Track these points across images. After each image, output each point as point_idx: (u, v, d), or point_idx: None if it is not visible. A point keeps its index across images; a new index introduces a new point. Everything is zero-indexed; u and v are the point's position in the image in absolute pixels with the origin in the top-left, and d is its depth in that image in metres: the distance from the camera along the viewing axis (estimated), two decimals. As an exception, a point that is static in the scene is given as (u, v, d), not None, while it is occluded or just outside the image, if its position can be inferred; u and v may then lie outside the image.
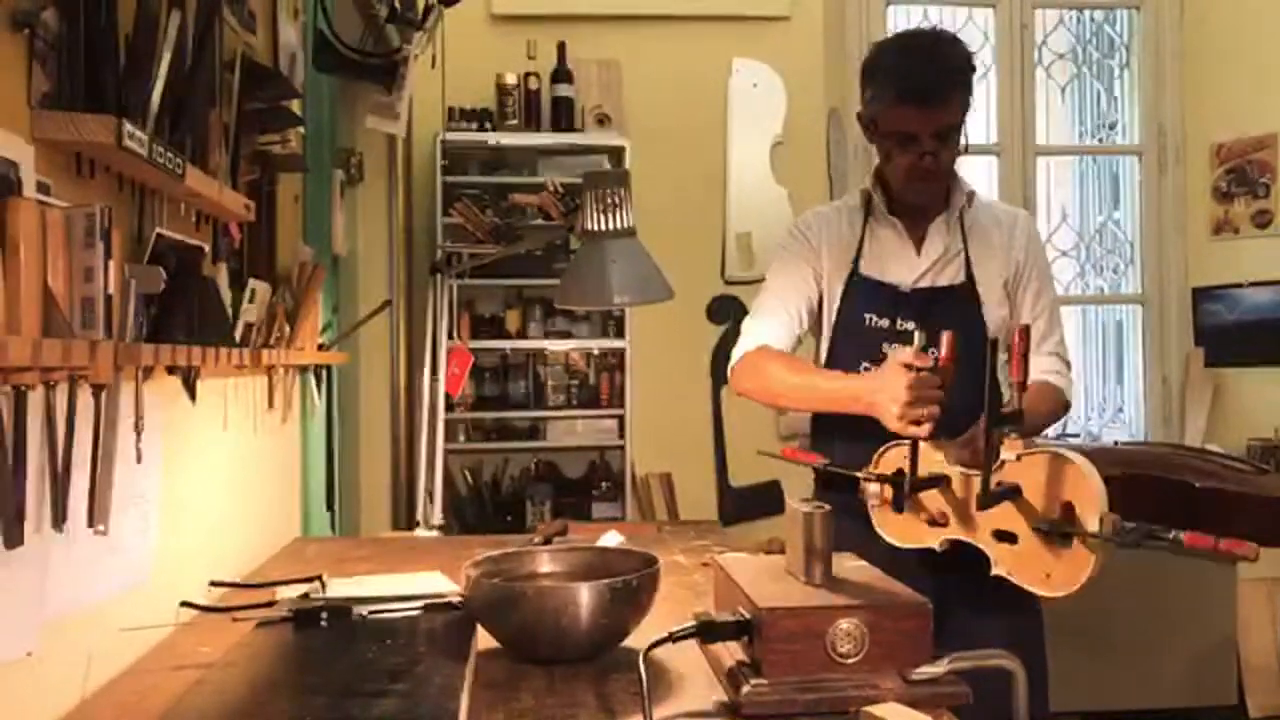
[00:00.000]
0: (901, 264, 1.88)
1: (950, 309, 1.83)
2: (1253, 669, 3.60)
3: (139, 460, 1.30)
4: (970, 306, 1.85)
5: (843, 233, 1.93)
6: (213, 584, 1.68)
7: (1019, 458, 1.43)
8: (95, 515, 1.19)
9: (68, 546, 1.15)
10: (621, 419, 3.67)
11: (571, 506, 3.62)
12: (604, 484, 3.70)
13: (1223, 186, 4.04)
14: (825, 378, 1.84)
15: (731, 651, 1.21)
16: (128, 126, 1.15)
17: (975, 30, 4.22)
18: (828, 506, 1.29)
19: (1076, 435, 4.13)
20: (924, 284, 1.87)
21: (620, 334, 3.69)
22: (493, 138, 3.62)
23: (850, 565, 1.34)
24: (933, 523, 1.54)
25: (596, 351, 3.78)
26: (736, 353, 1.92)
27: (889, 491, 1.56)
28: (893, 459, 1.59)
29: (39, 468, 1.08)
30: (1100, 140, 4.40)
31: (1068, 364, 1.95)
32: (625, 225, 1.98)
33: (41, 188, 1.09)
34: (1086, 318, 4.44)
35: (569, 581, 1.37)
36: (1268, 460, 3.50)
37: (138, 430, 1.29)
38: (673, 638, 1.15)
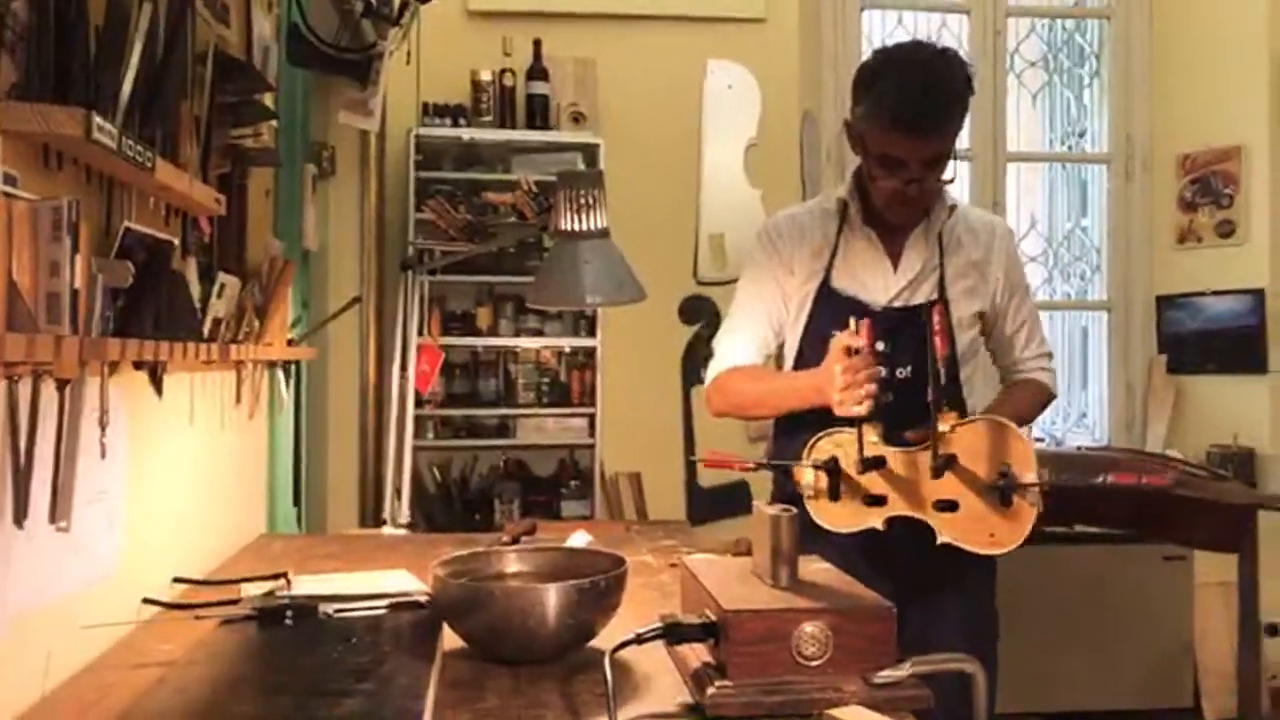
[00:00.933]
0: (876, 279, 1.84)
1: (920, 329, 1.80)
2: (1209, 672, 3.66)
3: (103, 455, 1.29)
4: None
5: (815, 241, 1.88)
6: (176, 580, 1.67)
7: (953, 428, 1.55)
8: (58, 511, 1.18)
9: (29, 542, 1.14)
10: (592, 418, 3.67)
11: (540, 505, 3.62)
12: (573, 482, 3.70)
13: (1187, 196, 4.10)
14: (780, 379, 1.86)
15: (697, 653, 1.21)
16: (97, 119, 1.14)
17: (949, 37, 4.25)
18: (794, 510, 1.30)
19: (1041, 439, 4.17)
20: (897, 303, 1.83)
21: (592, 333, 3.69)
22: (467, 133, 3.61)
23: (815, 568, 1.36)
24: (870, 503, 1.59)
25: (567, 350, 3.78)
26: (708, 375, 1.93)
27: (823, 480, 1.60)
28: (825, 447, 1.62)
29: (1, 463, 1.07)
30: (1070, 148, 4.45)
31: (1049, 356, 1.97)
32: (598, 226, 1.99)
33: (8, 179, 1.08)
34: (1053, 323, 4.48)
35: (536, 582, 1.37)
36: (1226, 466, 3.56)
37: (102, 425, 1.28)
38: (639, 639, 1.15)
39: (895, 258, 1.85)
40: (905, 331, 1.75)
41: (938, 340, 1.56)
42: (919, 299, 1.82)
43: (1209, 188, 4.04)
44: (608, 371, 3.66)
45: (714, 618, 1.18)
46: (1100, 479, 1.62)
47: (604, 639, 1.27)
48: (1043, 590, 3.44)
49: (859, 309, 1.80)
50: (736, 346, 1.91)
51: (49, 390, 1.14)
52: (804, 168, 3.93)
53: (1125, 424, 4.24)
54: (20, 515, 1.09)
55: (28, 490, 1.10)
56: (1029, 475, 1.54)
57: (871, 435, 1.57)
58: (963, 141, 4.21)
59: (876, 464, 1.57)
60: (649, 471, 3.75)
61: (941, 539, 1.56)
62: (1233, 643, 3.51)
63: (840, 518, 1.61)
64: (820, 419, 1.66)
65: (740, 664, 1.13)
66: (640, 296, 2.07)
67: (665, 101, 3.84)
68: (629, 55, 3.84)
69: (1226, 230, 3.99)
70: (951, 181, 1.77)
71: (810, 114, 3.98)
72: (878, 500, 1.60)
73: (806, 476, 1.61)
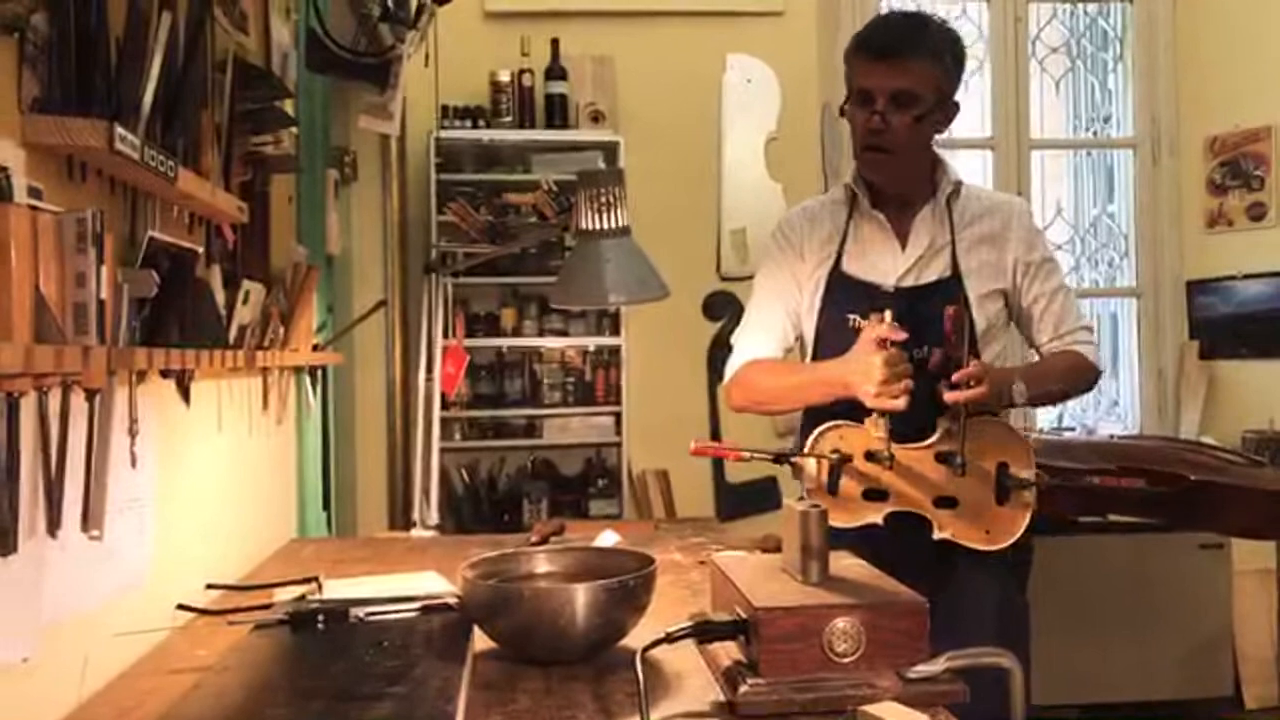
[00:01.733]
0: (886, 260, 1.84)
1: (936, 306, 1.76)
2: (1248, 660, 3.61)
3: (133, 464, 1.30)
4: (955, 303, 1.83)
5: (826, 229, 1.90)
6: (209, 587, 1.68)
7: (945, 431, 1.61)
8: (90, 520, 1.18)
9: (63, 552, 1.15)
10: (618, 416, 3.67)
11: (568, 504, 3.62)
12: (601, 481, 3.70)
13: (1217, 179, 4.04)
14: (803, 371, 1.85)
15: (729, 651, 1.21)
16: (119, 130, 1.15)
17: (969, 24, 4.21)
18: (823, 505, 1.29)
19: (1072, 428, 4.14)
20: (908, 281, 1.82)
21: (616, 331, 3.69)
22: (486, 135, 3.62)
23: (847, 564, 1.34)
24: (870, 497, 1.59)
25: (592, 349, 3.78)
26: (727, 371, 1.94)
27: (824, 473, 1.60)
28: (830, 439, 1.61)
29: (32, 474, 1.07)
30: (1094, 134, 4.39)
31: (1090, 330, 1.92)
32: (620, 224, 1.98)
33: (33, 192, 1.08)
34: (1081, 310, 4.44)
35: (566, 582, 1.37)
36: (1262, 452, 3.51)
37: (132, 434, 1.29)
38: (670, 638, 1.15)
39: (904, 237, 1.85)
40: (920, 310, 1.75)
41: (952, 347, 1.57)
42: (931, 276, 1.83)
43: (1239, 170, 3.98)
44: (633, 369, 3.66)
45: (744, 615, 1.17)
46: (1087, 480, 1.68)
47: (634, 638, 1.27)
48: (1079, 582, 3.41)
49: (870, 291, 1.82)
50: (755, 341, 1.92)
51: (78, 400, 1.15)
52: (825, 160, 3.91)
53: (1157, 411, 4.18)
54: (53, 525, 1.10)
55: (60, 500, 1.11)
56: (1026, 473, 1.59)
57: (881, 430, 1.57)
58: (985, 129, 4.18)
59: (889, 460, 1.58)
60: (676, 469, 3.74)
61: (939, 535, 1.57)
62: (1273, 630, 3.47)
63: (839, 513, 1.60)
64: (847, 410, 1.65)
65: (772, 661, 1.13)
66: (663, 294, 2.06)
67: (684, 97, 3.83)
68: (647, 52, 3.83)
69: (1258, 213, 3.93)
70: (915, 120, 1.75)
71: (830, 106, 3.95)
72: (879, 495, 1.61)
73: (810, 467, 1.61)
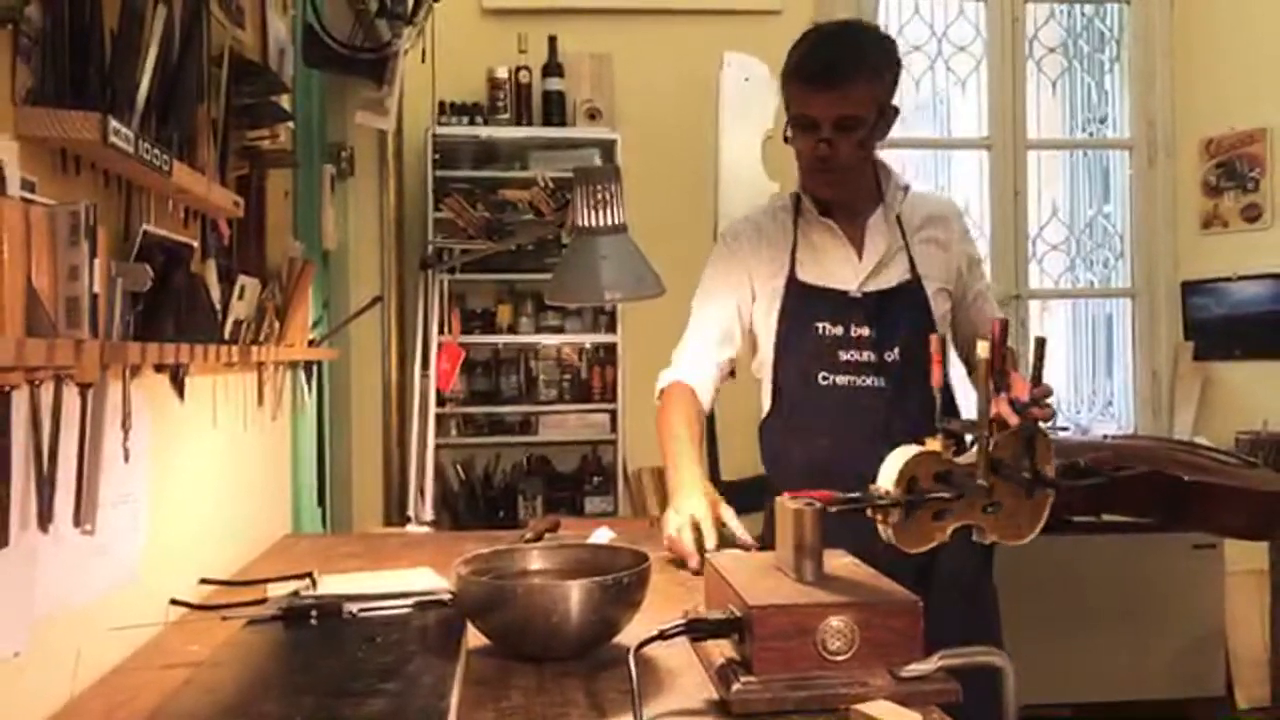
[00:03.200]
0: (844, 267, 1.86)
1: (903, 310, 1.81)
2: (1241, 660, 3.62)
3: (126, 459, 1.30)
4: (918, 304, 1.83)
5: (774, 238, 1.92)
6: (202, 582, 1.68)
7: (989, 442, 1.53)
8: (82, 515, 1.18)
9: (55, 546, 1.15)
10: (613, 413, 3.67)
11: (563, 501, 3.62)
12: (596, 478, 3.70)
13: (1212, 180, 4.05)
14: (670, 456, 1.85)
15: (722, 649, 1.21)
16: (113, 123, 1.15)
17: (967, 24, 4.22)
18: (818, 504, 1.28)
19: (1066, 428, 4.14)
20: (871, 286, 1.84)
21: (612, 328, 3.69)
22: (483, 131, 3.62)
23: (841, 563, 1.34)
24: (936, 518, 1.57)
25: (588, 346, 3.78)
26: (659, 381, 1.97)
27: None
28: (906, 468, 1.58)
29: (24, 468, 1.07)
30: (1090, 134, 4.40)
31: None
32: (616, 221, 1.97)
33: (26, 185, 1.08)
34: (1076, 311, 4.45)
35: (560, 579, 1.37)
36: (1256, 453, 3.51)
37: (125, 429, 1.29)
38: (663, 635, 1.15)
39: (858, 244, 1.87)
40: (888, 314, 1.79)
41: (936, 369, 1.55)
42: (893, 280, 1.85)
43: (1234, 171, 3.99)
44: (629, 367, 3.66)
45: (738, 613, 1.17)
46: (1104, 472, 1.65)
47: (628, 635, 1.27)
48: (1072, 580, 3.42)
49: (835, 297, 1.84)
50: (686, 361, 1.95)
51: (71, 395, 1.14)
52: (822, 159, 3.91)
53: (1151, 411, 4.19)
54: (45, 519, 1.10)
55: (52, 494, 1.10)
56: (1049, 468, 1.55)
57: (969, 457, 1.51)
58: (981, 129, 4.18)
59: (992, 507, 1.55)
60: (671, 466, 3.74)
61: (988, 539, 1.54)
62: (1265, 631, 3.48)
63: (910, 539, 1.58)
64: (835, 418, 1.73)
65: (765, 659, 1.12)
66: (660, 291, 2.05)
67: (681, 95, 3.82)
68: (644, 50, 3.83)
69: (1253, 214, 3.94)
70: (860, 141, 1.77)
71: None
72: (942, 514, 1.58)
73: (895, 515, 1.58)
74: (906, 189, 1.89)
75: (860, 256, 1.86)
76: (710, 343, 1.94)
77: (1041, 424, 1.57)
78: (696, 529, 1.66)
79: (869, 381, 1.81)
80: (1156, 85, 4.19)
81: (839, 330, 1.83)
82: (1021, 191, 4.19)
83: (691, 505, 1.69)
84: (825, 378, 1.83)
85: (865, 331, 1.79)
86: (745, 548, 1.66)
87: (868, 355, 1.81)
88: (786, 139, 1.85)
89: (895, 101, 1.83)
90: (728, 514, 1.70)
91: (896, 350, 1.77)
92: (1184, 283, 4.13)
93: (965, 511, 1.56)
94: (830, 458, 1.71)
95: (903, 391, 1.69)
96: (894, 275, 1.85)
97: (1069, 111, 4.41)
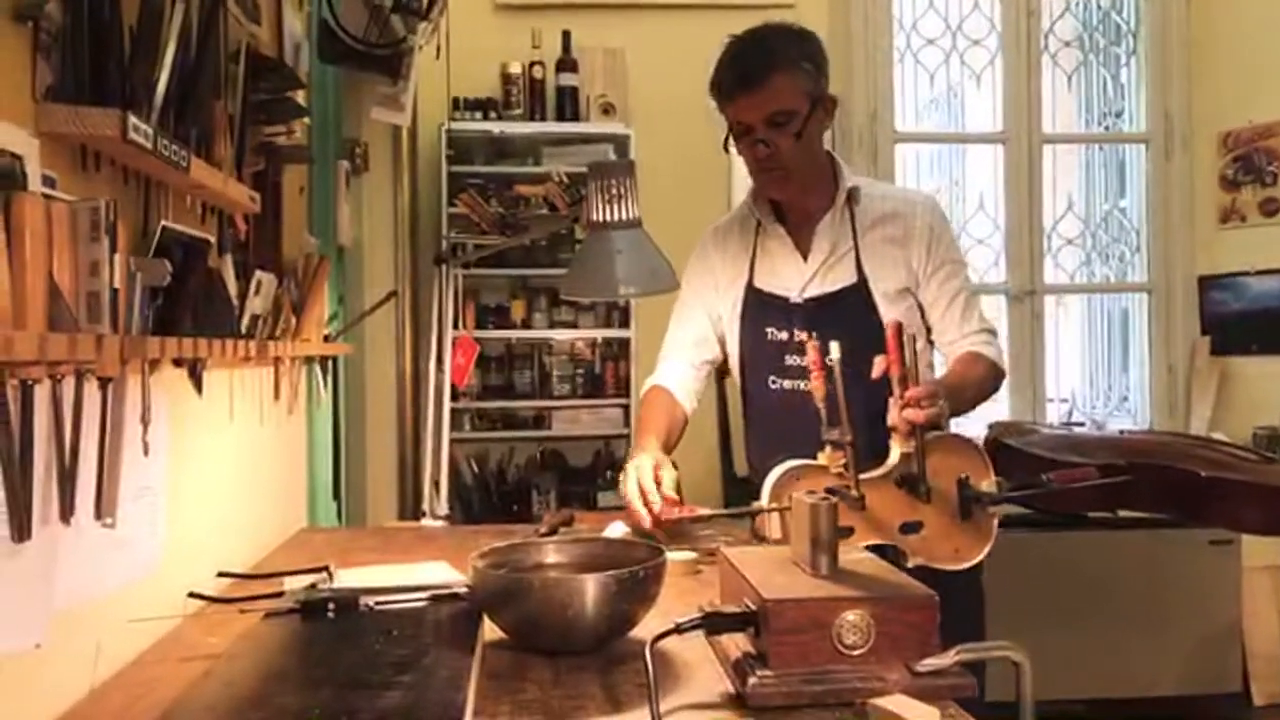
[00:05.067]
0: (791, 271, 1.88)
1: (841, 314, 1.81)
2: (1257, 656, 3.60)
3: (146, 453, 1.31)
4: (863, 308, 1.82)
5: (735, 246, 1.96)
6: (220, 575, 1.69)
7: (902, 455, 1.56)
8: (103, 508, 1.19)
9: (76, 539, 1.16)
10: (626, 408, 3.68)
11: (577, 495, 3.63)
12: (609, 473, 3.70)
13: (1230, 174, 4.03)
14: (635, 440, 1.98)
15: (738, 643, 1.21)
16: (132, 119, 1.15)
17: (982, 18, 4.20)
18: (834, 498, 1.29)
19: (1082, 423, 4.12)
20: (813, 291, 1.85)
21: (625, 323, 3.69)
22: (497, 127, 3.62)
23: (857, 557, 1.34)
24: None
25: (601, 341, 3.78)
26: (645, 384, 2.05)
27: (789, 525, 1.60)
28: (788, 488, 1.59)
29: (46, 461, 1.08)
30: (1106, 128, 4.38)
31: (993, 333, 1.90)
32: (631, 216, 1.98)
33: (46, 181, 1.09)
34: (1092, 306, 4.43)
35: (575, 573, 1.37)
36: (1273, 449, 3.50)
37: (144, 422, 1.29)
38: (679, 629, 1.15)
39: (805, 248, 1.89)
40: (827, 319, 1.80)
41: (893, 362, 1.54)
42: (836, 284, 1.85)
43: (1252, 165, 3.96)
44: (642, 361, 3.65)
45: (754, 607, 1.17)
46: (1045, 478, 1.63)
47: (643, 629, 1.27)
48: (1088, 577, 3.41)
49: (778, 303, 1.88)
50: (666, 366, 2.04)
51: (92, 389, 1.15)
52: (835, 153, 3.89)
53: (1168, 407, 4.17)
54: (67, 512, 1.11)
55: (73, 488, 1.11)
56: (987, 484, 1.56)
57: (839, 465, 1.52)
58: (997, 124, 4.16)
59: (859, 501, 1.54)
60: (684, 461, 3.73)
61: (913, 562, 1.54)
62: (1281, 627, 3.46)
63: None
64: (781, 422, 1.76)
65: (781, 653, 1.13)
66: (674, 286, 2.06)
67: (695, 90, 3.77)
68: (658, 44, 3.82)
69: (1271, 208, 3.91)
70: (797, 134, 1.78)
71: (840, 100, 3.93)
72: (844, 532, 1.57)
73: (774, 525, 1.58)
74: (855, 189, 1.88)
75: (806, 261, 1.88)
76: (685, 346, 2.01)
77: (939, 430, 1.56)
78: (642, 485, 1.72)
79: (809, 386, 1.80)
80: (1173, 78, 4.16)
81: (784, 335, 1.86)
82: (1037, 186, 4.17)
83: (637, 463, 1.77)
84: (774, 382, 1.87)
85: (806, 337, 1.78)
86: (672, 505, 1.72)
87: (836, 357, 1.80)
88: (726, 149, 1.87)
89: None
90: (666, 474, 1.75)
91: (839, 356, 1.76)
92: (1201, 277, 4.10)
93: (872, 531, 1.55)
94: (776, 462, 1.69)
95: (845, 395, 1.66)
96: (840, 278, 1.85)
97: (1085, 105, 4.38)
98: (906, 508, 1.57)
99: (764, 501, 1.61)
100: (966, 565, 1.57)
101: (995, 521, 1.59)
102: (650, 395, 2.02)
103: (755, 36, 1.82)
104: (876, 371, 1.57)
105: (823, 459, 1.55)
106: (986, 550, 1.60)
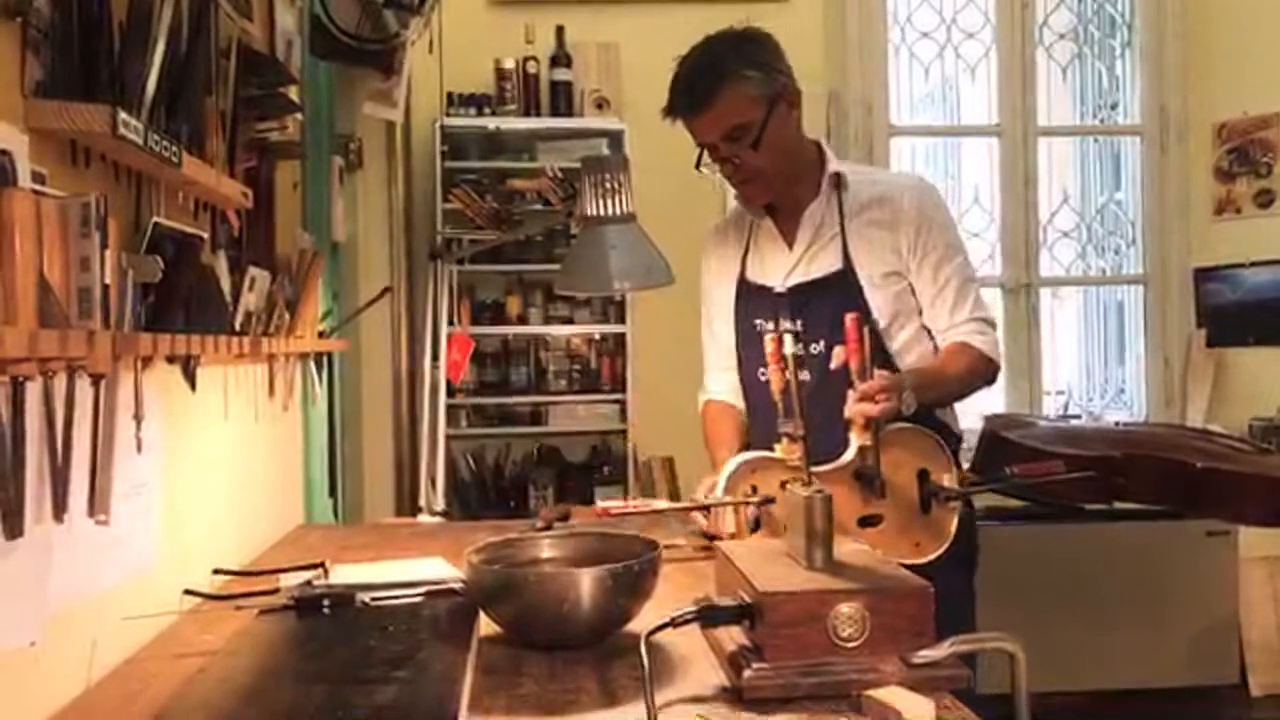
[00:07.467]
0: (778, 262, 1.88)
1: (825, 301, 1.78)
2: (1254, 647, 3.61)
3: (139, 450, 1.30)
4: (849, 294, 1.79)
5: (731, 242, 1.97)
6: (216, 572, 1.68)
7: (860, 448, 1.56)
8: (96, 505, 1.19)
9: (69, 537, 1.16)
10: (623, 403, 3.68)
11: (574, 491, 3.63)
12: (606, 468, 3.71)
13: (1224, 166, 4.03)
14: (713, 447, 1.95)
15: (733, 636, 1.21)
16: (122, 115, 1.15)
17: (976, 11, 4.19)
18: (828, 491, 1.28)
19: (1078, 416, 4.13)
20: (797, 279, 1.84)
21: (621, 318, 3.69)
22: (491, 122, 3.61)
23: (851, 549, 1.34)
24: None
25: (597, 336, 3.78)
26: (699, 398, 2.06)
27: (744, 523, 1.61)
28: (743, 480, 1.60)
29: (38, 459, 1.08)
30: (1101, 120, 4.37)
31: (989, 323, 1.85)
32: (625, 210, 1.98)
33: (36, 177, 1.08)
34: (1088, 298, 4.43)
35: (571, 567, 1.37)
36: (1269, 440, 3.50)
37: (137, 419, 1.29)
38: (674, 623, 1.15)
39: (790, 236, 1.88)
40: (811, 306, 1.80)
41: (852, 353, 1.53)
42: (820, 270, 1.83)
43: (1247, 157, 3.96)
44: (638, 357, 3.66)
45: (749, 600, 1.17)
46: (1008, 470, 1.63)
47: (639, 623, 1.27)
48: (1086, 568, 3.41)
49: (764, 293, 1.87)
50: (712, 377, 2.04)
51: (84, 386, 1.15)
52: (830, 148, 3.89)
53: (1164, 399, 4.17)
54: (59, 510, 1.10)
55: (66, 485, 1.11)
56: (947, 478, 1.55)
57: (795, 457, 1.48)
58: (991, 116, 4.16)
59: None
60: (681, 455, 3.74)
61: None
62: (1278, 617, 3.47)
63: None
64: (772, 413, 1.68)
65: (776, 646, 1.13)
66: (669, 280, 2.05)
67: (690, 84, 3.80)
68: (652, 39, 3.79)
69: (1266, 200, 3.92)
70: (758, 143, 1.75)
71: (835, 94, 3.94)
72: (873, 520, 1.56)
73: (728, 520, 1.58)
74: (839, 175, 1.85)
75: (791, 250, 1.87)
76: (721, 354, 2.00)
77: (903, 421, 1.55)
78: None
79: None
80: (1168, 70, 4.15)
81: (771, 326, 1.82)
82: (1032, 178, 4.17)
83: (707, 483, 1.76)
84: (763, 373, 1.83)
85: (791, 326, 1.77)
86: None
87: (795, 349, 1.79)
88: (699, 168, 1.86)
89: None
90: (717, 484, 1.72)
91: (821, 343, 1.75)
92: (1196, 269, 4.10)
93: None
94: (764, 452, 1.69)
95: (825, 384, 1.66)
96: (825, 265, 1.83)
97: (1079, 98, 4.38)
98: (865, 502, 1.56)
99: (719, 495, 1.61)
100: (924, 560, 1.55)
101: (956, 515, 1.57)
102: (707, 411, 2.03)
103: (697, 54, 1.80)
104: (835, 363, 1.56)
105: (779, 451, 1.54)
106: (946, 545, 1.58)
